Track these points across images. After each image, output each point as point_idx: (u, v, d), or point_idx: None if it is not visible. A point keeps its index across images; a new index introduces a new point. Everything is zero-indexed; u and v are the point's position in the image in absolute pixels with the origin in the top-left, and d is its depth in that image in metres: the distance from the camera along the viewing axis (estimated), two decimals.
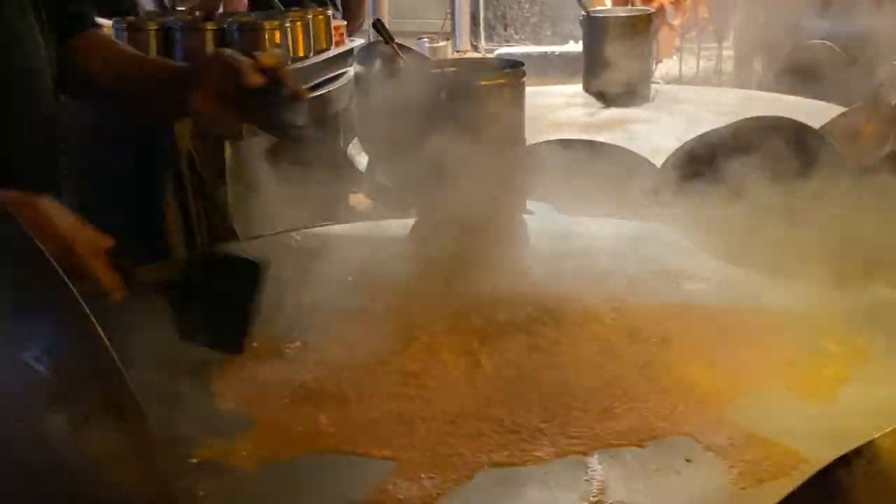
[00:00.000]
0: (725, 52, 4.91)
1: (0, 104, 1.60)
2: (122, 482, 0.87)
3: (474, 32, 6.65)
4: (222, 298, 1.47)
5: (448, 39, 6.38)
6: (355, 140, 2.95)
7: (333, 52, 2.68)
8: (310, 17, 2.54)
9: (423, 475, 1.17)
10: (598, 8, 4.43)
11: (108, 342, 0.85)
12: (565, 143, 2.25)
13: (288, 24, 2.44)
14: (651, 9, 4.22)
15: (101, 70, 1.83)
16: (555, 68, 4.44)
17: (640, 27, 3.52)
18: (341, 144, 3.01)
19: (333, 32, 2.70)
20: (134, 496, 0.87)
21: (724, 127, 2.10)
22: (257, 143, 2.40)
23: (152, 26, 2.45)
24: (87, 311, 0.85)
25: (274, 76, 1.66)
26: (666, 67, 4.65)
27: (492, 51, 6.04)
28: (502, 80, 2.01)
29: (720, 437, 1.23)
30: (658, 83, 3.74)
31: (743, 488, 1.14)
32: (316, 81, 2.56)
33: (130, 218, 2.24)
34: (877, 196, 1.75)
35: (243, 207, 1.89)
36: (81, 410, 0.86)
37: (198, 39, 2.38)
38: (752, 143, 1.96)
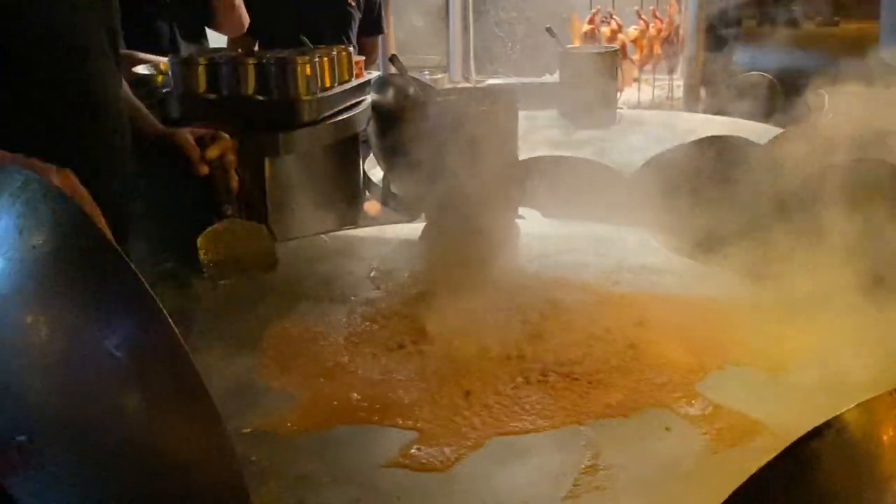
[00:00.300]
0: (675, 83, 4.89)
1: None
2: (193, 456, 0.84)
3: (466, 66, 6.63)
4: None
5: (444, 72, 6.37)
6: (371, 156, 2.93)
7: (354, 82, 2.65)
8: (335, 53, 2.51)
9: (441, 442, 1.15)
10: (571, 46, 4.41)
11: (177, 331, 0.82)
12: (550, 159, 2.22)
13: (317, 59, 2.41)
14: (615, 46, 4.20)
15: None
16: (534, 96, 4.39)
17: (607, 62, 3.50)
18: (360, 160, 2.98)
19: (354, 66, 2.67)
20: (203, 468, 0.84)
21: (684, 144, 2.07)
22: (292, 160, 2.38)
23: (202, 61, 2.42)
24: (160, 304, 0.82)
25: (216, 167, 1.71)
26: (627, 95, 4.62)
27: (481, 81, 6.03)
28: (499, 106, 1.98)
29: (694, 408, 1.22)
30: (622, 108, 3.71)
31: (715, 452, 1.13)
32: (340, 107, 2.53)
33: (191, 219, 2.21)
34: (814, 200, 1.73)
35: (280, 214, 1.87)
36: (155, 392, 0.83)
37: (241, 73, 2.36)
38: (708, 158, 1.94)
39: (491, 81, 5.86)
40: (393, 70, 2.42)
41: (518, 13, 6.84)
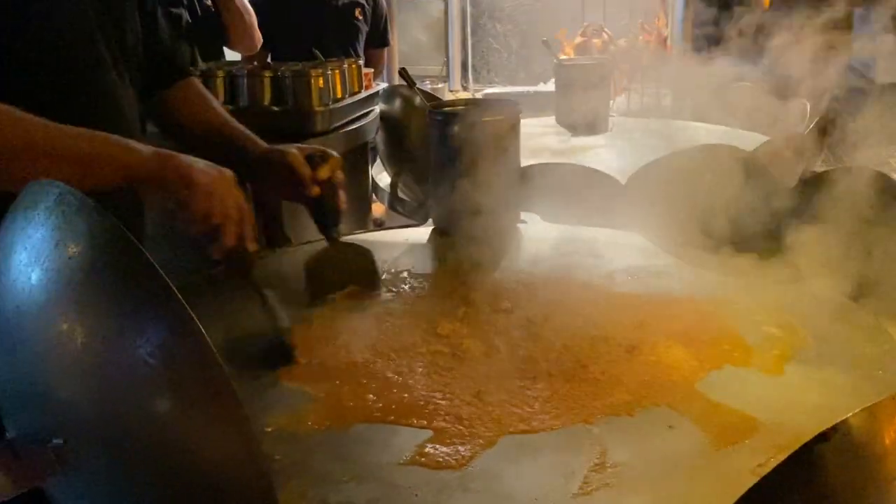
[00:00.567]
0: (663, 92, 4.88)
1: None
2: (222, 458, 0.82)
3: (464, 76, 6.62)
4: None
5: (444, 82, 6.36)
6: (378, 162, 2.92)
7: (364, 94, 2.64)
8: (345, 66, 2.51)
9: (455, 441, 1.13)
10: (565, 57, 4.39)
11: (207, 338, 0.80)
12: (549, 166, 2.21)
13: (329, 72, 2.40)
14: (609, 58, 4.19)
15: (189, 121, 1.75)
16: (529, 104, 4.38)
17: (600, 72, 3.49)
18: (369, 167, 2.96)
19: (363, 78, 2.66)
20: (232, 469, 0.83)
21: (677, 152, 2.06)
22: None
23: (220, 74, 2.41)
24: (191, 312, 0.80)
25: (326, 187, 1.62)
26: (617, 104, 4.60)
27: (479, 90, 6.03)
28: (502, 116, 1.97)
29: (694, 407, 1.20)
30: (614, 116, 3.70)
31: (716, 449, 1.11)
32: (350, 117, 2.52)
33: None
34: (801, 207, 1.72)
35: (295, 218, 1.85)
36: (187, 397, 0.81)
37: (257, 85, 2.35)
38: (701, 164, 1.92)
39: (488, 90, 5.86)
40: (399, 81, 2.41)
41: (513, 26, 6.83)
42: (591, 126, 3.35)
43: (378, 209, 3.61)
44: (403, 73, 1.99)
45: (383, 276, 1.72)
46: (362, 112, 2.62)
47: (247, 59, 3.57)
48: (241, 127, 1.73)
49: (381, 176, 2.89)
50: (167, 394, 0.81)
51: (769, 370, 1.31)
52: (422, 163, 2.14)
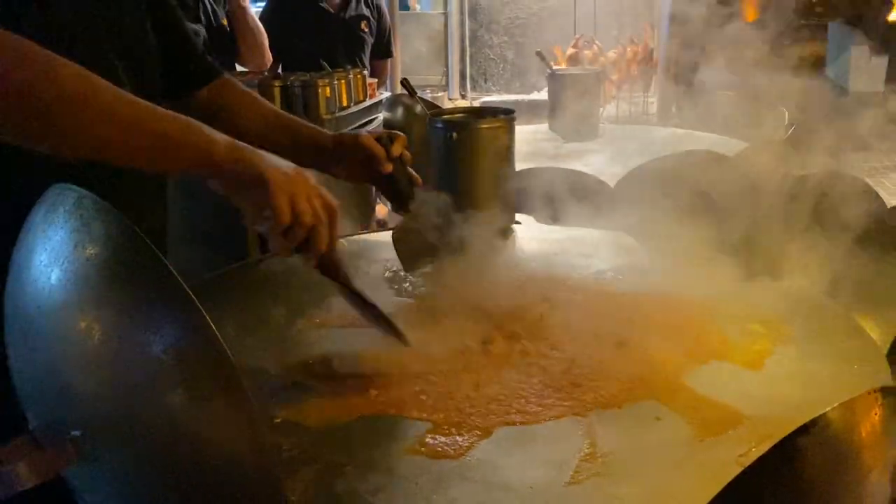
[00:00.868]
0: (649, 100, 4.87)
1: None
2: (233, 448, 0.81)
3: (462, 85, 6.62)
4: None
5: (444, 91, 6.36)
6: None
7: (368, 102, 2.63)
8: (351, 76, 2.50)
9: (454, 431, 1.12)
10: (558, 67, 4.37)
11: (219, 335, 0.79)
12: (542, 170, 2.20)
13: (335, 82, 2.39)
14: (598, 68, 4.17)
15: (242, 118, 1.66)
16: (524, 112, 4.36)
17: (591, 81, 3.47)
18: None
19: (368, 87, 2.65)
20: (243, 459, 0.82)
21: (664, 157, 2.05)
22: (313, 172, 2.34)
23: None
24: (203, 311, 0.79)
25: (399, 163, 1.61)
26: (606, 111, 4.58)
27: (476, 99, 6.02)
28: (498, 124, 1.96)
29: (680, 400, 1.20)
30: (604, 123, 3.69)
31: (702, 440, 1.10)
32: (355, 124, 2.51)
33: (219, 224, 2.18)
34: (782, 209, 1.71)
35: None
36: (198, 392, 0.81)
37: (267, 94, 2.34)
38: (685, 170, 1.92)
39: (485, 99, 5.85)
40: (401, 91, 2.39)
41: (509, 38, 6.82)
42: (582, 132, 3.34)
43: (381, 210, 3.61)
44: (405, 83, 1.97)
45: (385, 275, 1.71)
46: (367, 119, 2.61)
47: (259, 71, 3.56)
48: (296, 117, 1.70)
49: None
50: (180, 388, 0.80)
51: (751, 365, 1.30)
52: (423, 168, 2.13)
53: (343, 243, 1.93)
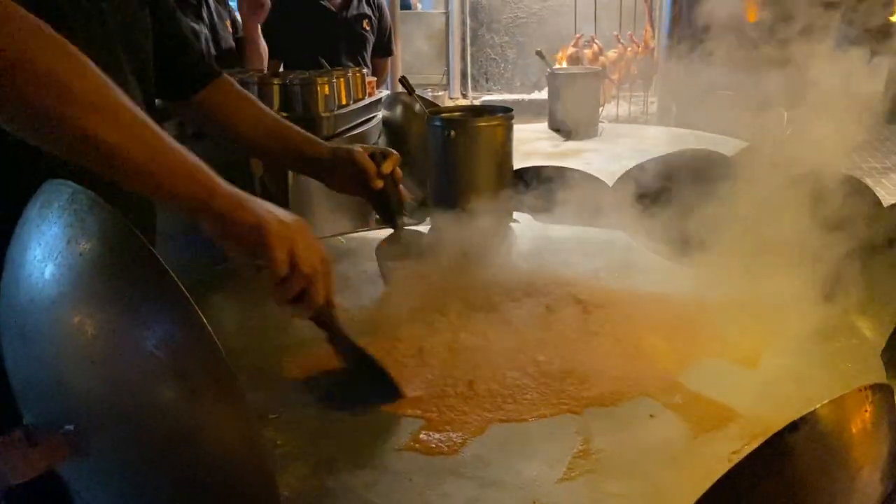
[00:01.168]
0: (650, 99, 4.87)
1: None
2: (225, 443, 0.82)
3: (463, 84, 6.62)
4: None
5: (444, 89, 6.36)
6: None
7: (367, 100, 2.63)
8: (350, 74, 2.49)
9: (448, 428, 1.12)
10: (558, 66, 4.37)
11: (211, 331, 0.79)
12: (540, 168, 2.19)
13: (334, 80, 2.39)
14: (598, 68, 4.17)
15: (236, 120, 1.66)
16: (524, 111, 4.37)
17: (591, 81, 3.47)
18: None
19: (367, 86, 2.65)
20: (234, 455, 0.82)
21: (662, 156, 2.05)
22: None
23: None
24: (195, 306, 0.79)
25: (390, 180, 1.63)
26: (606, 111, 4.58)
27: (477, 98, 6.02)
28: (496, 122, 1.96)
29: (675, 397, 1.19)
30: (603, 122, 3.68)
31: (695, 437, 1.10)
32: (354, 123, 2.51)
33: None
34: (780, 209, 1.71)
35: (301, 214, 1.84)
36: (191, 387, 0.81)
37: (267, 92, 2.34)
38: (683, 168, 1.91)
39: (486, 98, 5.85)
40: (401, 89, 2.39)
41: (510, 38, 6.82)
42: (582, 131, 3.34)
43: None
44: (404, 80, 1.97)
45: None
46: (366, 118, 2.61)
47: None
48: (293, 125, 1.70)
49: None
50: (172, 383, 0.80)
51: (746, 363, 1.30)
52: (421, 165, 2.13)
53: (341, 240, 1.94)
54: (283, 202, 1.80)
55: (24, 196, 0.94)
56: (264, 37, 4.04)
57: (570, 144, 3.26)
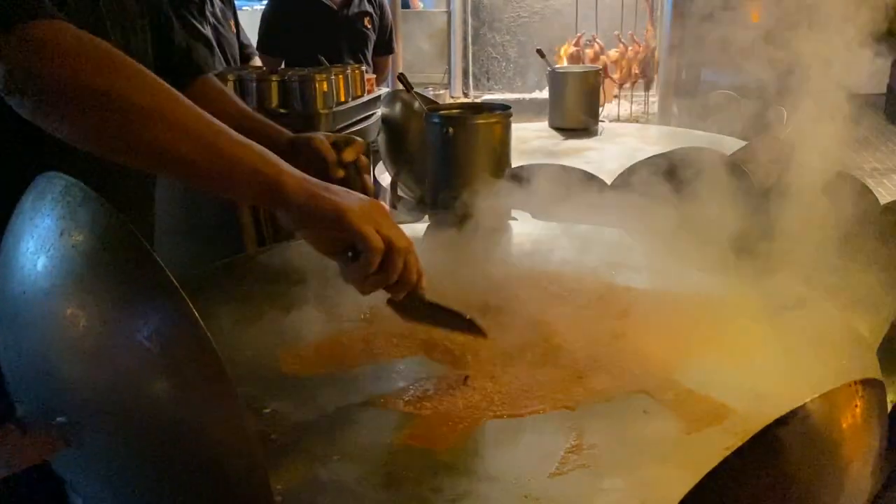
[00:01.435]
0: (651, 99, 4.87)
1: None
2: (216, 434, 0.82)
3: (465, 83, 6.62)
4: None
5: (446, 88, 6.36)
6: (380, 163, 2.91)
7: (366, 97, 2.64)
8: (349, 71, 2.50)
9: (443, 423, 1.13)
10: (559, 65, 4.37)
11: (202, 323, 0.79)
12: (539, 166, 2.20)
13: (333, 77, 2.39)
14: (598, 66, 4.17)
15: (214, 113, 1.66)
16: (525, 110, 4.37)
17: (591, 80, 3.48)
18: (370, 167, 2.95)
19: (366, 83, 2.65)
20: (226, 445, 0.82)
21: (660, 154, 2.05)
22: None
23: (231, 77, 2.41)
24: (188, 300, 0.79)
25: (353, 169, 1.56)
26: (607, 109, 4.59)
27: (478, 97, 6.02)
28: (494, 119, 1.96)
29: (668, 394, 1.19)
30: (604, 121, 3.68)
31: (688, 433, 1.10)
32: (353, 119, 2.52)
33: (217, 216, 2.18)
34: (776, 207, 1.71)
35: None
36: (182, 378, 0.81)
37: (265, 88, 2.34)
38: (681, 167, 1.91)
39: (487, 97, 5.85)
40: (401, 86, 2.40)
41: (511, 37, 6.82)
42: (582, 130, 3.34)
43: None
44: (402, 77, 1.97)
45: None
46: (364, 115, 2.62)
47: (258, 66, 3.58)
48: (263, 117, 1.66)
49: (383, 176, 2.88)
50: (164, 375, 0.81)
51: (741, 360, 1.30)
52: (420, 163, 2.13)
53: None
54: None
55: (19, 189, 0.94)
56: (264, 36, 4.06)
57: (570, 143, 3.26)
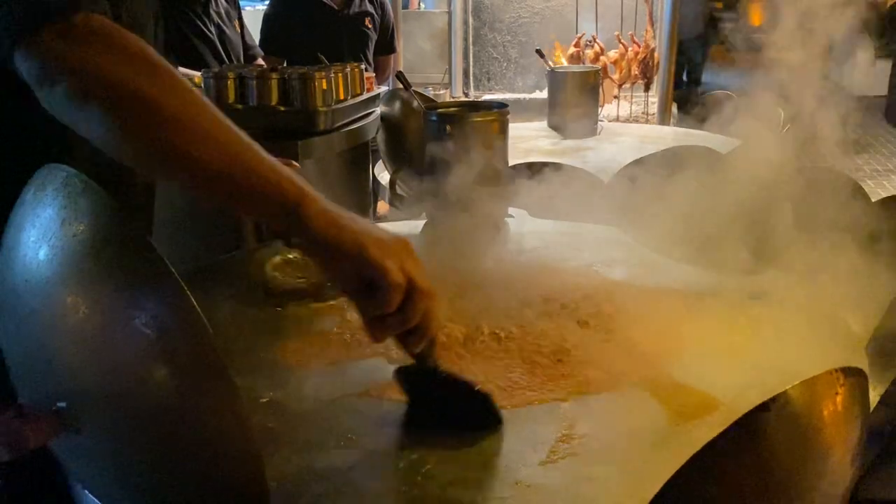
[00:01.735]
0: (650, 100, 4.87)
1: None
2: (212, 421, 0.84)
3: (465, 83, 6.62)
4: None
5: (446, 88, 6.36)
6: (380, 161, 2.93)
7: (365, 96, 2.65)
8: (348, 69, 2.52)
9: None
10: (559, 65, 4.39)
11: (199, 311, 0.81)
12: (537, 165, 2.22)
13: (332, 75, 2.41)
14: (597, 66, 4.18)
15: None
16: (525, 110, 4.38)
17: (590, 80, 3.49)
18: (370, 165, 2.97)
19: (365, 81, 2.67)
20: (221, 431, 0.84)
21: (655, 153, 2.07)
22: (310, 165, 2.37)
23: (231, 76, 2.42)
24: (185, 288, 0.81)
25: None
26: (607, 110, 4.58)
27: (479, 97, 6.03)
28: (491, 117, 1.98)
29: (658, 386, 1.21)
30: (603, 121, 3.70)
31: (677, 424, 1.12)
32: (352, 118, 2.53)
33: (216, 212, 2.20)
34: (770, 205, 1.72)
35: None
36: (180, 365, 0.83)
37: (265, 86, 2.36)
38: (676, 165, 1.93)
39: (487, 97, 5.86)
40: (400, 85, 2.42)
41: (512, 37, 6.82)
42: (580, 129, 3.36)
43: (382, 206, 3.63)
44: (401, 76, 1.99)
45: None
46: (363, 113, 2.63)
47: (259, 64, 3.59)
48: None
49: (383, 175, 2.90)
50: (161, 361, 0.82)
51: (732, 355, 1.32)
52: (419, 161, 2.15)
53: None
54: None
55: (23, 181, 0.96)
56: (266, 36, 4.08)
57: (569, 142, 3.28)
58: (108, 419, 0.87)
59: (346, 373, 1.28)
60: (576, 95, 3.41)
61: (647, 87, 4.79)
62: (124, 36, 1.01)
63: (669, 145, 2.71)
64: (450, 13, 6.57)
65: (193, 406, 0.83)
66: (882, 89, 8.28)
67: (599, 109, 3.67)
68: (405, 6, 6.68)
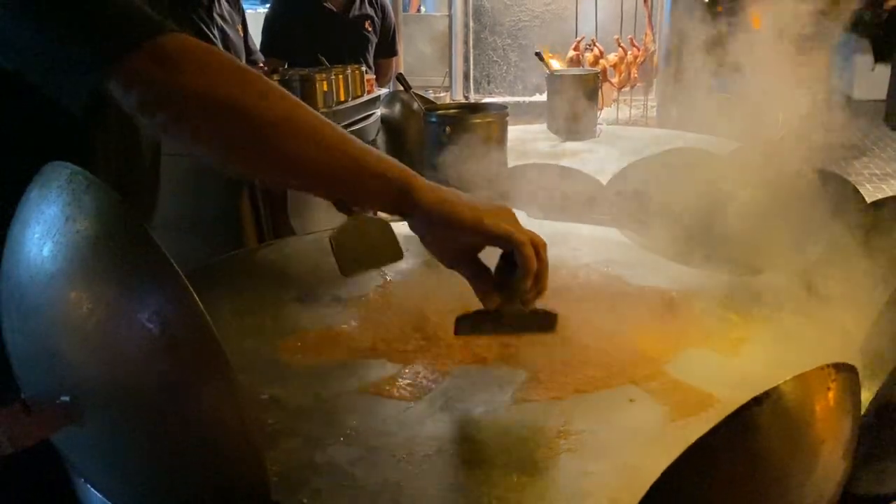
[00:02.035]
0: (650, 103, 4.89)
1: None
2: (215, 417, 0.85)
3: (466, 86, 6.65)
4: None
5: (447, 91, 6.40)
6: None
7: (366, 97, 2.67)
8: (349, 71, 2.53)
9: (433, 411, 1.15)
10: (558, 69, 4.40)
11: (202, 306, 0.82)
12: (536, 166, 2.23)
13: (333, 77, 2.42)
14: (597, 70, 4.20)
15: None
16: (525, 113, 4.40)
17: (590, 83, 3.49)
18: None
19: (366, 83, 2.69)
20: (224, 427, 0.85)
21: (654, 155, 2.08)
22: None
23: None
24: (187, 282, 0.82)
25: None
26: (606, 113, 4.61)
27: (479, 99, 6.06)
28: (490, 119, 1.99)
29: (655, 383, 1.22)
30: (602, 124, 3.71)
31: (673, 420, 1.13)
32: (352, 119, 2.55)
33: (217, 212, 2.21)
34: (766, 205, 1.73)
35: (299, 209, 1.86)
36: (182, 360, 0.84)
37: None
38: (674, 167, 1.94)
39: (487, 100, 5.89)
40: (400, 87, 2.43)
41: (512, 41, 6.85)
42: (580, 132, 3.37)
43: None
44: (400, 77, 2.01)
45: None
46: (364, 114, 2.65)
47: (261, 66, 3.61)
48: None
49: None
50: (164, 356, 0.83)
51: (728, 353, 1.33)
52: (419, 162, 2.16)
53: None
54: (281, 196, 1.84)
55: (27, 180, 0.97)
56: (267, 38, 4.10)
57: (568, 145, 3.29)
58: (111, 413, 0.88)
59: (346, 370, 1.28)
60: (575, 98, 3.42)
61: (646, 91, 4.82)
62: (210, 51, 1.02)
63: (667, 147, 2.71)
64: (450, 16, 6.60)
65: (195, 401, 0.84)
66: (881, 94, 8.30)
67: (599, 112, 3.68)
68: (406, 9, 6.70)
